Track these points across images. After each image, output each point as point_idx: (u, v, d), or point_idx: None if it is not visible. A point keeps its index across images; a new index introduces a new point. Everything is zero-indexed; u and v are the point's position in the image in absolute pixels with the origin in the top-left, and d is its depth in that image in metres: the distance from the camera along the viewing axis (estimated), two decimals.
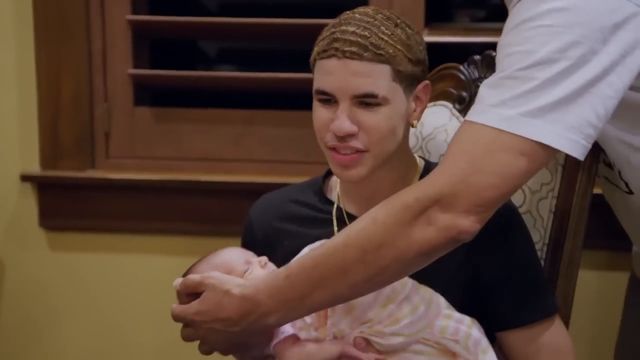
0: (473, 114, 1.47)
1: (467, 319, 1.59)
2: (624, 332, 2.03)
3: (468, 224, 1.44)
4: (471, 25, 2.78)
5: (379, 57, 1.56)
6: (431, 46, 2.40)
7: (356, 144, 1.58)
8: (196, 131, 2.62)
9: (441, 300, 1.60)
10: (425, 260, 1.49)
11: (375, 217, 1.48)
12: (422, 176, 1.68)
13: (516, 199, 1.77)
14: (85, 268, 2.66)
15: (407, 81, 1.59)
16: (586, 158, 1.71)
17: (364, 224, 1.49)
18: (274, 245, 1.74)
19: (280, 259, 1.70)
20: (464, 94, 1.90)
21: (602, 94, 1.44)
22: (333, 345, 1.54)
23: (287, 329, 1.57)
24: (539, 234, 1.78)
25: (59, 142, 2.61)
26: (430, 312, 1.57)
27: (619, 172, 1.70)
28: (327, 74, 1.58)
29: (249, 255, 1.67)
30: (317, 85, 1.60)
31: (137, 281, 2.64)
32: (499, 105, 1.43)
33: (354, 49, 1.55)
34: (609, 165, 1.74)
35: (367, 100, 1.57)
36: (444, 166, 1.48)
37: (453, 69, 1.93)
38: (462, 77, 1.91)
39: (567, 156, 1.74)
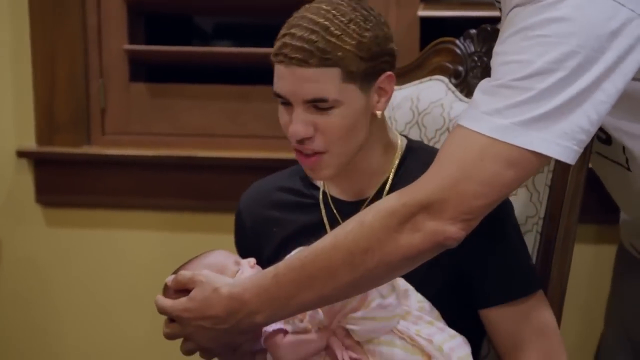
0: (466, 119, 1.45)
1: (450, 331, 1.59)
2: (612, 300, 2.04)
3: (454, 230, 1.44)
4: (467, 0, 2.77)
5: (326, 62, 1.52)
6: (427, 21, 2.42)
7: (314, 146, 1.58)
8: (192, 107, 2.61)
9: (426, 305, 1.60)
10: (411, 264, 1.49)
11: (362, 220, 1.47)
12: (403, 156, 1.68)
13: None
14: (81, 243, 2.66)
15: (362, 78, 1.56)
16: None
17: (351, 227, 1.48)
18: (264, 233, 1.74)
19: (270, 247, 1.71)
20: (460, 68, 1.90)
21: (596, 100, 1.43)
22: (320, 336, 1.54)
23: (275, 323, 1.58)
24: (535, 208, 1.77)
25: (55, 118, 2.60)
26: (403, 304, 1.57)
27: (623, 148, 1.69)
28: (279, 78, 1.56)
29: (237, 257, 1.66)
30: (274, 87, 1.58)
31: (131, 256, 2.64)
32: (493, 113, 1.42)
33: (299, 55, 1.52)
34: (604, 142, 1.74)
35: (319, 105, 1.55)
36: (433, 170, 1.46)
37: (449, 44, 1.92)
38: (458, 51, 1.90)
39: None
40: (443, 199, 1.42)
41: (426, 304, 1.60)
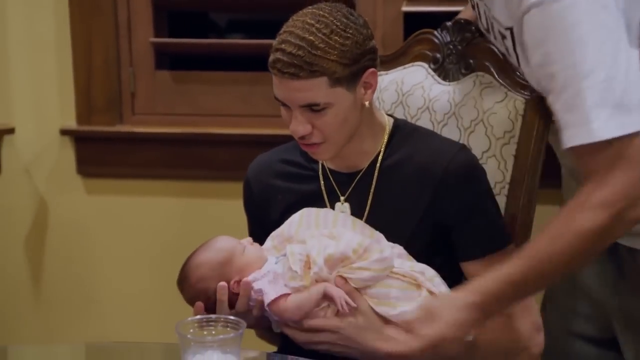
0: (600, 132, 1.41)
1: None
2: None
3: None
4: None
5: (314, 73, 1.50)
6: (409, 15, 2.40)
7: (314, 139, 1.57)
8: (209, 91, 2.59)
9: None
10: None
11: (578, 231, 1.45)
12: (390, 134, 1.66)
13: (483, 145, 1.75)
14: (115, 208, 2.66)
15: (348, 80, 1.53)
16: (542, 109, 1.70)
17: (567, 240, 1.45)
18: (269, 201, 1.72)
19: (275, 211, 1.70)
20: (438, 55, 1.88)
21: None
22: (317, 287, 1.53)
23: (268, 289, 1.56)
24: (503, 175, 1.76)
25: (92, 101, 2.59)
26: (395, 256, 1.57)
27: None
28: (276, 86, 1.54)
29: (237, 240, 1.64)
30: (274, 92, 1.56)
31: (157, 218, 2.64)
32: (610, 116, 1.41)
33: (291, 70, 1.50)
34: None
35: (312, 108, 1.53)
36: (615, 176, 1.42)
37: (428, 34, 1.90)
38: (436, 41, 1.88)
39: (526, 107, 1.73)
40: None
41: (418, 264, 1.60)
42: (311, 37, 1.50)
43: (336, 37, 1.51)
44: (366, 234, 1.57)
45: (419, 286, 1.54)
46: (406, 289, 1.54)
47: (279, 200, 1.70)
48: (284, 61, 1.50)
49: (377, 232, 1.58)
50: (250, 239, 1.65)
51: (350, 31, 1.52)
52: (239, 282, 1.57)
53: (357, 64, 1.53)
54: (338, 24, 1.52)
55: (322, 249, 1.52)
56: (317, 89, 1.51)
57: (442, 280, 1.56)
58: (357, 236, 1.54)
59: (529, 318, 1.61)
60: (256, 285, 1.57)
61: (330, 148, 1.59)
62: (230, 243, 1.62)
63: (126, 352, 1.74)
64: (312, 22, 1.52)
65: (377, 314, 1.53)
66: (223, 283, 1.56)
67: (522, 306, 1.60)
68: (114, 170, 2.63)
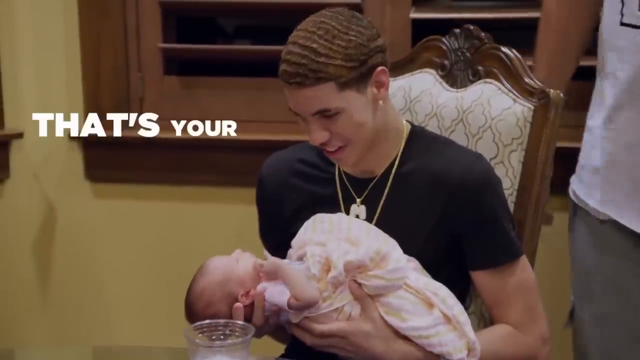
0: None
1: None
2: (570, 253, 2.01)
3: None
4: (452, 4, 2.75)
5: (320, 80, 1.50)
6: (417, 21, 2.41)
7: (334, 144, 1.57)
8: (217, 96, 2.60)
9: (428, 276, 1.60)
10: None
11: None
12: (407, 140, 1.65)
13: (491, 151, 1.75)
14: (123, 213, 2.66)
15: (357, 82, 1.53)
16: (550, 114, 1.70)
17: None
18: (282, 198, 1.71)
19: (287, 210, 1.69)
20: (446, 62, 1.88)
21: None
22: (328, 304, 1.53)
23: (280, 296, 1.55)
24: (510, 181, 1.76)
25: (101, 106, 2.59)
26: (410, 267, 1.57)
27: None
28: (288, 97, 1.55)
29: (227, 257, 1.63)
30: (288, 102, 1.56)
31: (165, 223, 2.64)
32: None
33: (297, 79, 1.50)
34: None
35: (325, 114, 1.53)
36: None
37: (436, 41, 1.90)
38: (444, 47, 1.89)
39: (534, 114, 1.73)
40: None
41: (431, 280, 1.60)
42: (313, 45, 1.50)
43: (338, 41, 1.51)
44: (380, 241, 1.56)
45: (431, 305, 1.53)
46: (418, 304, 1.53)
47: (293, 199, 1.69)
48: (290, 72, 1.51)
49: (391, 239, 1.58)
50: (239, 250, 1.63)
51: (353, 33, 1.52)
52: (246, 294, 1.56)
53: (364, 65, 1.53)
54: (340, 27, 1.52)
55: (343, 254, 1.52)
56: (326, 95, 1.51)
57: (456, 300, 1.55)
58: (376, 243, 1.53)
59: (536, 329, 1.60)
60: (268, 294, 1.55)
61: (354, 151, 1.58)
62: (222, 260, 1.61)
63: (134, 357, 1.73)
64: (314, 29, 1.52)
65: (387, 323, 1.52)
66: (238, 304, 1.55)
67: (530, 317, 1.59)
68: (122, 174, 2.63)
